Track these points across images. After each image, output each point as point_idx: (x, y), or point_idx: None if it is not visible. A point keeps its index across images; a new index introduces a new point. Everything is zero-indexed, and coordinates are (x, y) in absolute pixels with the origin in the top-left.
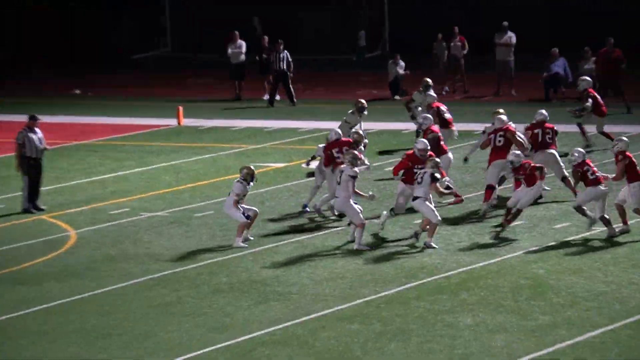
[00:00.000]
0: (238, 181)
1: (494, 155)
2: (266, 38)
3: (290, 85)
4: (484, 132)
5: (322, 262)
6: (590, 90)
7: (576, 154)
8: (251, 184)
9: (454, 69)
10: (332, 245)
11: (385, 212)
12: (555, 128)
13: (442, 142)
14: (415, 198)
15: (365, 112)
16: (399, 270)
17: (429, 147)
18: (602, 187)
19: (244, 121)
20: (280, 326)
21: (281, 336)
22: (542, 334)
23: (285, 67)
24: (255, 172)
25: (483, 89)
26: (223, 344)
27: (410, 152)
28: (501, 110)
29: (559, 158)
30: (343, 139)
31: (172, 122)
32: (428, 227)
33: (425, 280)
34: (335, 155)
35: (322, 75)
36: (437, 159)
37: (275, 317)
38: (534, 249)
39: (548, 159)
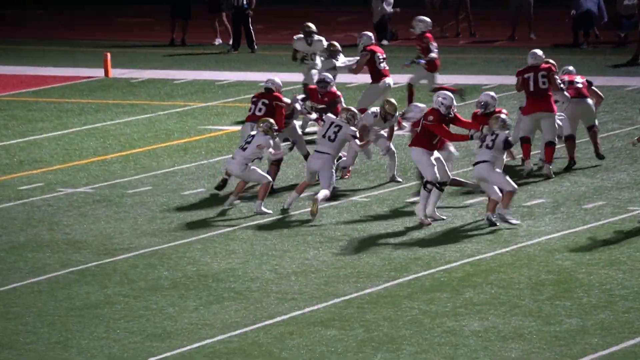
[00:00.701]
0: (264, 133)
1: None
2: None
3: (251, 26)
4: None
5: (290, 251)
6: None
7: None
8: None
9: (456, 6)
10: (303, 229)
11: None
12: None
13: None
14: (480, 162)
15: (342, 58)
16: (386, 262)
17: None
18: None
19: (189, 72)
20: (237, 332)
21: (238, 344)
22: (568, 342)
23: (244, 3)
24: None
25: (494, 32)
26: (164, 355)
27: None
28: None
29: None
30: (311, 86)
31: (98, 72)
32: (490, 200)
33: (420, 275)
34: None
35: (289, 15)
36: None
37: (230, 320)
38: (558, 235)
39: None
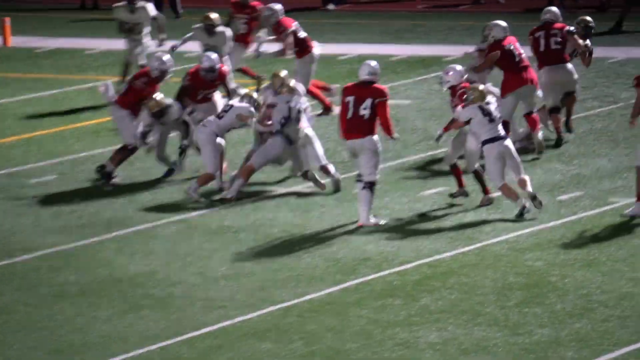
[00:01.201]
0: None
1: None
2: None
3: None
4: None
5: (219, 251)
6: None
7: None
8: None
9: None
10: (234, 225)
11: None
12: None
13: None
14: (500, 138)
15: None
16: (331, 263)
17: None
18: None
19: (102, 41)
20: (156, 346)
21: None
22: (539, 355)
23: None
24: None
25: None
26: None
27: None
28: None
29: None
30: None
31: None
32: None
33: (369, 278)
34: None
35: None
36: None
37: (149, 332)
38: (528, 231)
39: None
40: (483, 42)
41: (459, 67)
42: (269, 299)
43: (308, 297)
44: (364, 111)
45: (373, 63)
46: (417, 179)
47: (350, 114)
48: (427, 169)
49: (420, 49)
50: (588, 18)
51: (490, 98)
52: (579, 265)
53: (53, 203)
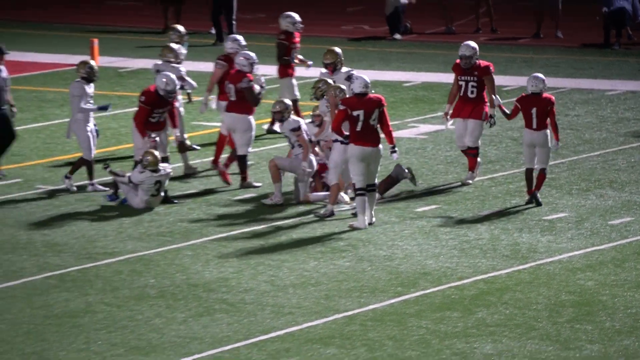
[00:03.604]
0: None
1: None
2: None
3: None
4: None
5: (288, 261)
6: None
7: None
8: None
9: (477, 1)
10: (303, 238)
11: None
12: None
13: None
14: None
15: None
16: (393, 276)
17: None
18: None
19: (184, 62)
20: (228, 347)
21: None
22: None
23: None
24: None
25: (518, 29)
26: None
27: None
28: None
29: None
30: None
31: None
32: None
33: (428, 291)
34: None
35: (281, 3)
36: None
37: (221, 334)
38: (581, 252)
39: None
40: None
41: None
42: (334, 308)
43: (371, 307)
44: (374, 122)
45: (367, 77)
46: (477, 199)
47: (360, 126)
48: (486, 191)
49: None
50: None
51: None
52: (628, 287)
53: (135, 212)
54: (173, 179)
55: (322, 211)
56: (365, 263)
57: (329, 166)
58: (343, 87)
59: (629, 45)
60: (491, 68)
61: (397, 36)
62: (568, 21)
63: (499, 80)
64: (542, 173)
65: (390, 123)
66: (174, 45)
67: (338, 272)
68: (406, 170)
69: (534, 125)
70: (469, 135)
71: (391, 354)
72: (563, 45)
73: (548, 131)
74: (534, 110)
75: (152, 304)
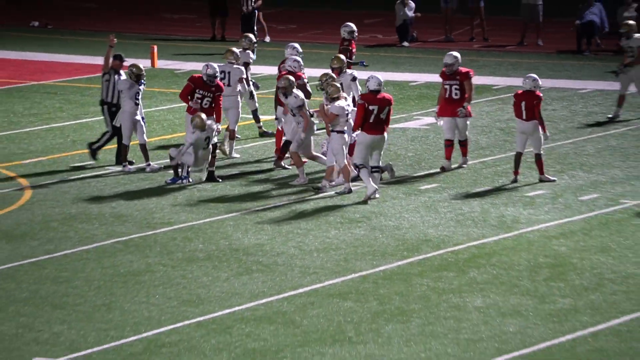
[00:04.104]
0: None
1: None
2: None
3: (255, 27)
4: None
5: (313, 230)
6: None
7: None
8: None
9: (472, 13)
10: (326, 211)
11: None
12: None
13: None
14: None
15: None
16: (399, 242)
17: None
18: None
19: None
20: (263, 301)
21: (264, 312)
22: (561, 319)
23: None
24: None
25: (506, 37)
26: (197, 319)
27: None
28: None
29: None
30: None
31: (145, 63)
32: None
33: (429, 255)
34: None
35: (311, 15)
36: None
37: (257, 290)
38: (555, 223)
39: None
40: None
41: None
42: (351, 268)
43: (381, 268)
44: (383, 116)
45: (380, 77)
46: (470, 179)
47: (372, 118)
48: (478, 172)
49: (475, 79)
50: None
51: None
52: (594, 251)
53: (186, 188)
54: (219, 165)
55: (340, 189)
56: (377, 232)
57: (332, 154)
58: (338, 85)
59: (597, 51)
60: (471, 74)
61: (405, 44)
62: (548, 32)
63: (490, 80)
64: (539, 158)
65: (390, 119)
66: (235, 49)
67: (354, 239)
68: (390, 164)
69: (524, 116)
70: (459, 133)
71: (398, 306)
72: (543, 52)
73: (537, 121)
74: (523, 104)
75: (200, 265)
